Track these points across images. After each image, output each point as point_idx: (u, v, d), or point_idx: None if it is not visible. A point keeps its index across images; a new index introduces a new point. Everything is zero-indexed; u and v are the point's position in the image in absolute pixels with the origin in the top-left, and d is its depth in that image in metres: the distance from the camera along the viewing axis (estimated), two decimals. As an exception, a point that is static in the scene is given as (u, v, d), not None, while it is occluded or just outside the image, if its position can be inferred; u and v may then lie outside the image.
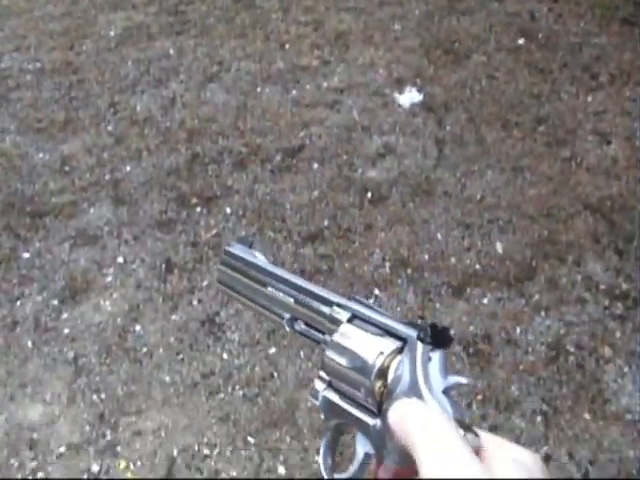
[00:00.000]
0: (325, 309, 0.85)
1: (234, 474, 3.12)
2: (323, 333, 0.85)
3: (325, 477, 0.82)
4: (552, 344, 3.62)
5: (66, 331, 3.72)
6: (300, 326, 0.90)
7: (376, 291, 3.88)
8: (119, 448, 3.23)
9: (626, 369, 3.52)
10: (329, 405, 0.81)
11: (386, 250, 4.11)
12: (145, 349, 3.62)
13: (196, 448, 3.22)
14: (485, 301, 3.83)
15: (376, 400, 0.75)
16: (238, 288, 0.99)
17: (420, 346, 0.73)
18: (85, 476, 3.12)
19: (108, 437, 3.27)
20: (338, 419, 0.80)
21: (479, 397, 3.39)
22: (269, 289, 0.93)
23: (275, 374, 3.49)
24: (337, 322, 0.82)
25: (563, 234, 4.21)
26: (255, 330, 3.69)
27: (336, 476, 0.81)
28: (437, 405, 0.70)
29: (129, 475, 3.12)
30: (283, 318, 0.90)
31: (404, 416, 0.69)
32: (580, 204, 4.42)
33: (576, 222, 4.30)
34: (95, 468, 3.15)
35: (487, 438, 0.68)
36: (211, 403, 3.38)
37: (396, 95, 5.32)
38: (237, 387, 3.44)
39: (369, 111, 5.21)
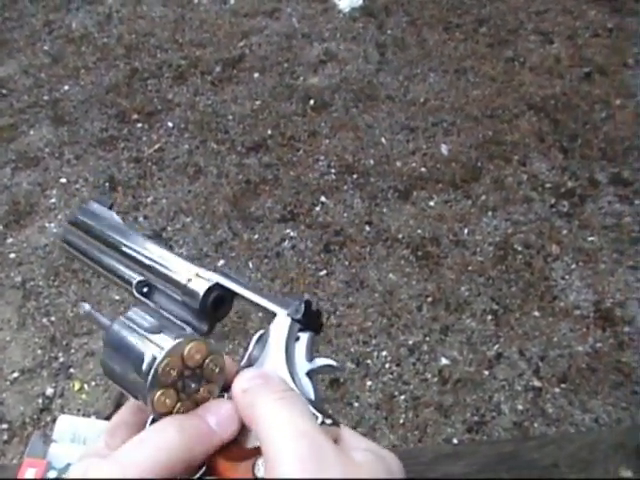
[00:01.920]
0: (182, 277, 0.72)
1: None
2: None
3: None
4: (500, 244, 3.64)
5: (12, 256, 3.67)
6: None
7: (322, 198, 3.86)
8: (72, 370, 3.21)
9: (573, 266, 3.56)
10: None
11: (331, 156, 4.09)
12: (93, 269, 3.59)
13: (149, 365, 3.21)
14: (432, 204, 3.84)
15: None
16: (86, 248, 0.83)
17: (289, 322, 0.66)
18: (40, 400, 3.10)
19: (61, 359, 3.25)
20: None
21: (429, 299, 3.42)
22: (123, 249, 0.79)
23: (225, 286, 3.48)
24: (193, 293, 0.70)
25: (508, 134, 4.22)
26: (202, 243, 3.67)
27: None
28: (294, 386, 0.62)
29: (84, 396, 3.11)
30: (131, 283, 0.76)
31: (255, 388, 0.61)
32: (524, 104, 4.43)
33: (520, 122, 4.31)
34: (50, 391, 3.13)
35: (349, 432, 0.61)
36: (161, 319, 3.37)
37: (336, 0, 5.25)
38: (187, 302, 3.43)
39: (309, 18, 5.15)
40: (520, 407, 3.03)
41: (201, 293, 0.69)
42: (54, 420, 2.97)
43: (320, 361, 0.66)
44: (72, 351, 3.27)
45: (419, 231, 3.70)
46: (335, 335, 3.28)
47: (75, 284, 3.53)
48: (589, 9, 5.20)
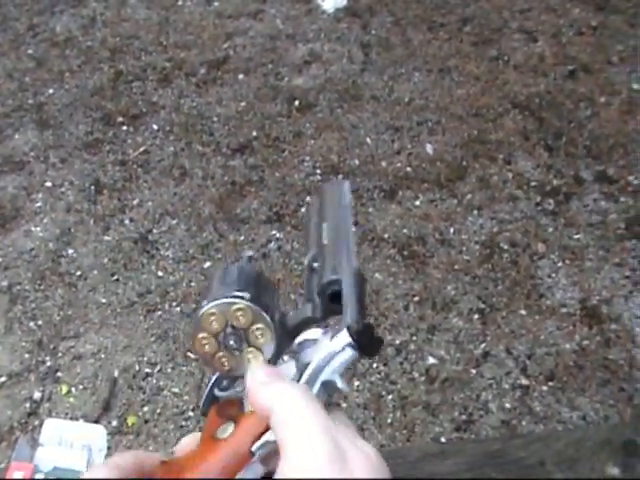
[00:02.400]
0: (330, 265, 0.75)
1: (176, 390, 3.12)
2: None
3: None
4: (486, 242, 3.65)
5: (-2, 260, 3.68)
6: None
7: (308, 199, 3.86)
8: (60, 373, 3.21)
9: (560, 264, 3.57)
10: None
11: (316, 157, 4.09)
12: (79, 272, 3.58)
13: (137, 367, 3.21)
14: (417, 203, 3.84)
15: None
16: (315, 214, 0.87)
17: (344, 334, 0.66)
18: (27, 404, 3.09)
19: (48, 363, 3.24)
20: None
21: (416, 298, 3.42)
22: (323, 225, 0.82)
23: (211, 277, 3.49)
24: (320, 281, 0.74)
25: (493, 133, 4.23)
26: (189, 245, 3.67)
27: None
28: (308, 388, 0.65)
29: (71, 400, 3.11)
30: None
31: (276, 381, 0.64)
32: (508, 102, 4.43)
33: (505, 120, 4.32)
34: (37, 395, 3.12)
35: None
36: (149, 321, 3.37)
37: (320, 1, 5.25)
38: (174, 304, 3.43)
39: (293, 19, 5.15)
40: (508, 405, 3.04)
41: (318, 282, 0.73)
42: (42, 424, 2.98)
43: (336, 377, 0.66)
44: (59, 355, 3.27)
45: (405, 231, 3.71)
46: (322, 336, 3.28)
47: (61, 288, 3.52)
48: (573, 7, 5.21)
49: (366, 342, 0.66)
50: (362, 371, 3.15)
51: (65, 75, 4.78)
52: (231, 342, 0.69)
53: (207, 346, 0.69)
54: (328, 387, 0.66)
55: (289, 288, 3.47)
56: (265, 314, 0.69)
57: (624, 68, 4.68)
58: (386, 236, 3.69)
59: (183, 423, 3.02)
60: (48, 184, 4.03)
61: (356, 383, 3.11)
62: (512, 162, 4.05)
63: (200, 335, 0.69)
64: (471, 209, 3.80)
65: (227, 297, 0.68)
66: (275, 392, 0.62)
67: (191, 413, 3.05)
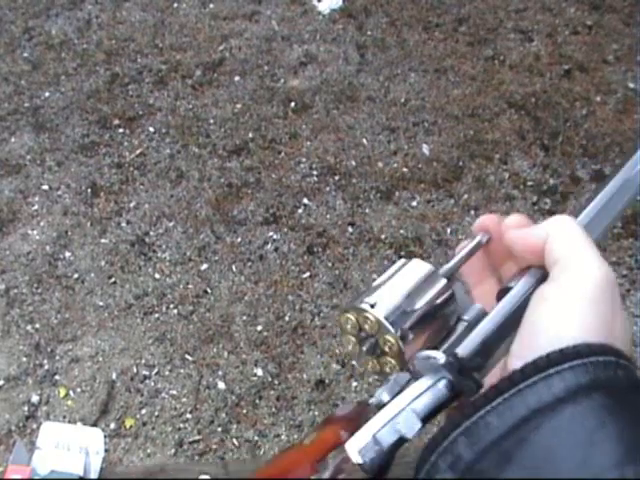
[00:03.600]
0: None
1: (174, 393, 3.12)
2: None
3: None
4: (483, 242, 3.64)
5: (-5, 264, 3.67)
6: None
7: (305, 200, 3.86)
8: (57, 376, 3.20)
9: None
10: None
11: (313, 158, 4.09)
12: (76, 275, 3.58)
13: (134, 370, 3.21)
14: (414, 203, 3.84)
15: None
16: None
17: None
18: (25, 407, 3.09)
19: (46, 366, 3.24)
20: None
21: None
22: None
23: (208, 290, 3.49)
24: None
25: (489, 133, 4.23)
26: (185, 248, 3.66)
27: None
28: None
29: (69, 402, 3.10)
30: None
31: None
32: (504, 102, 4.44)
33: (501, 120, 4.32)
34: (35, 398, 3.12)
35: None
36: (146, 324, 3.37)
37: (315, 2, 5.25)
38: (171, 306, 3.43)
39: (288, 20, 5.14)
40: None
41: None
42: (40, 427, 2.98)
43: (411, 416, 0.57)
44: (57, 358, 3.26)
45: (402, 231, 3.71)
46: (320, 337, 3.28)
47: (59, 291, 3.52)
48: (568, 6, 5.22)
49: (458, 380, 0.57)
50: (360, 372, 3.15)
51: (61, 78, 4.78)
52: (365, 348, 0.65)
53: (350, 345, 0.66)
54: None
55: (286, 290, 3.47)
56: (390, 327, 0.62)
57: (620, 67, 4.68)
58: (383, 237, 3.68)
59: (181, 425, 3.02)
60: (44, 187, 4.02)
61: (354, 384, 3.11)
62: (508, 162, 4.06)
63: (348, 336, 0.66)
64: (468, 209, 3.80)
65: (361, 302, 0.63)
66: (550, 222, 0.62)
67: (189, 415, 3.05)
